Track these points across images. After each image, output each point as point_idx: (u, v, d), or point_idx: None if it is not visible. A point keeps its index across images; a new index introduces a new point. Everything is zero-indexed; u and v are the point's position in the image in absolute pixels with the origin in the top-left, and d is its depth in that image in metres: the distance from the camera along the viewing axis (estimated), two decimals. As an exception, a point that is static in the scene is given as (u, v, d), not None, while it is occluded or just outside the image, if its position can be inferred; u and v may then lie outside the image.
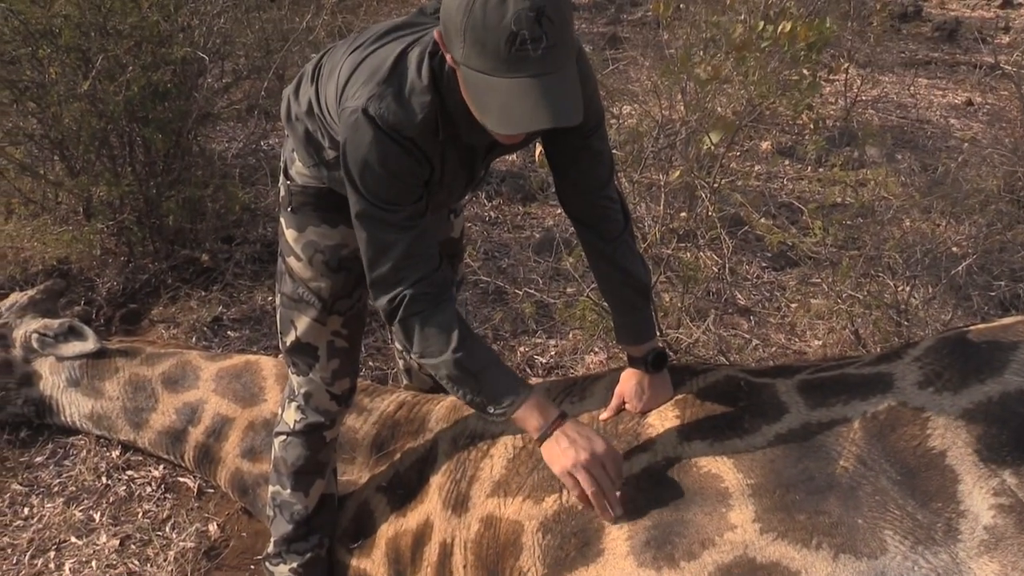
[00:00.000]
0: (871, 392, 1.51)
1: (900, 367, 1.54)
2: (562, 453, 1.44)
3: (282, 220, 1.75)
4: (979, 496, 1.32)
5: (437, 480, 1.81)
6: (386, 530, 1.87)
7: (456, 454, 1.81)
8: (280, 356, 2.56)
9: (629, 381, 1.64)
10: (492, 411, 1.49)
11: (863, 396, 1.50)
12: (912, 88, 5.59)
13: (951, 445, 1.38)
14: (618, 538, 1.41)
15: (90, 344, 2.42)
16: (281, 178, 1.75)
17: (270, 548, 1.96)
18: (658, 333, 1.94)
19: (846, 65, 5.18)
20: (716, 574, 1.30)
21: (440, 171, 1.48)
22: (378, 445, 2.01)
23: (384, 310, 1.50)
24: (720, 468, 1.46)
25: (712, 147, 2.74)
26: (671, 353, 1.83)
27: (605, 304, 2.63)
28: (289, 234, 1.73)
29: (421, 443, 1.92)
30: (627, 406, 1.63)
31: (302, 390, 1.83)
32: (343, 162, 1.41)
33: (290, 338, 1.80)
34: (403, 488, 1.88)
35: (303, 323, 1.77)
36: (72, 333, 2.45)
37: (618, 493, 1.45)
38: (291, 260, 1.74)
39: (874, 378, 1.54)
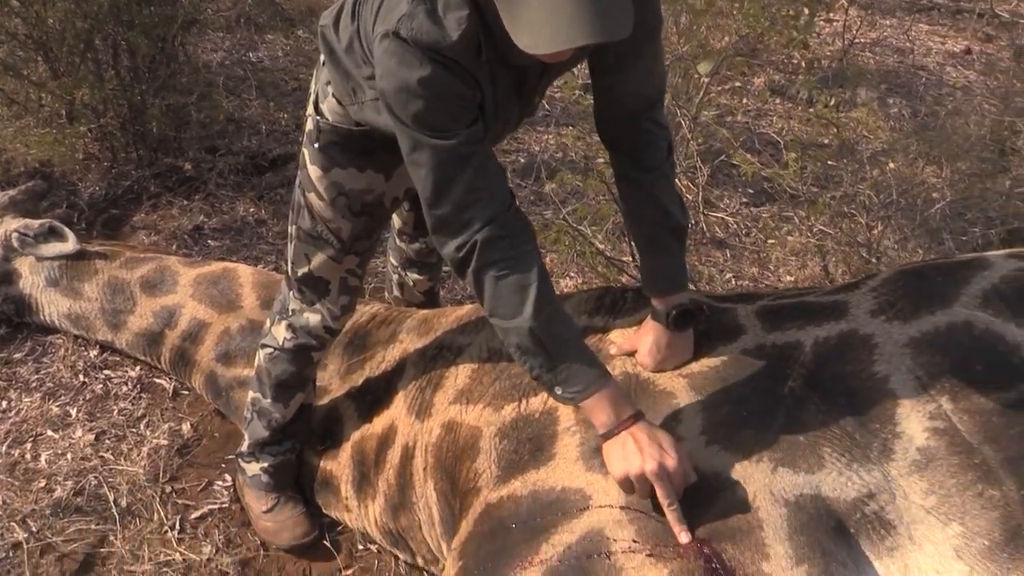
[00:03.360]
0: (826, 318, 1.55)
1: (856, 296, 1.58)
2: (626, 458, 1.30)
3: (306, 154, 1.65)
4: (915, 419, 1.37)
5: (404, 388, 1.86)
6: (353, 434, 1.93)
7: (423, 364, 1.86)
8: (260, 266, 2.60)
9: (646, 336, 1.53)
10: (559, 392, 1.35)
11: (818, 322, 1.54)
12: (912, 33, 5.53)
13: (894, 371, 1.43)
14: (570, 444, 1.46)
15: (70, 245, 2.43)
16: (310, 109, 1.64)
17: (243, 447, 2.02)
18: (691, 284, 1.78)
19: (846, 5, 5.12)
20: None
21: (492, 97, 1.33)
22: (349, 353, 2.05)
23: (452, 260, 1.34)
24: (674, 385, 1.50)
25: (701, 78, 2.74)
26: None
27: (582, 228, 2.67)
28: (312, 171, 1.64)
29: (390, 353, 1.97)
30: (638, 360, 1.54)
31: (304, 315, 1.82)
32: (383, 97, 1.27)
33: (302, 270, 1.75)
34: (371, 395, 1.93)
35: (318, 259, 1.72)
36: (52, 234, 2.47)
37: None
38: (312, 197, 1.66)
39: (830, 306, 1.58)
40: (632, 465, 1.30)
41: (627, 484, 1.32)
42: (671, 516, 1.28)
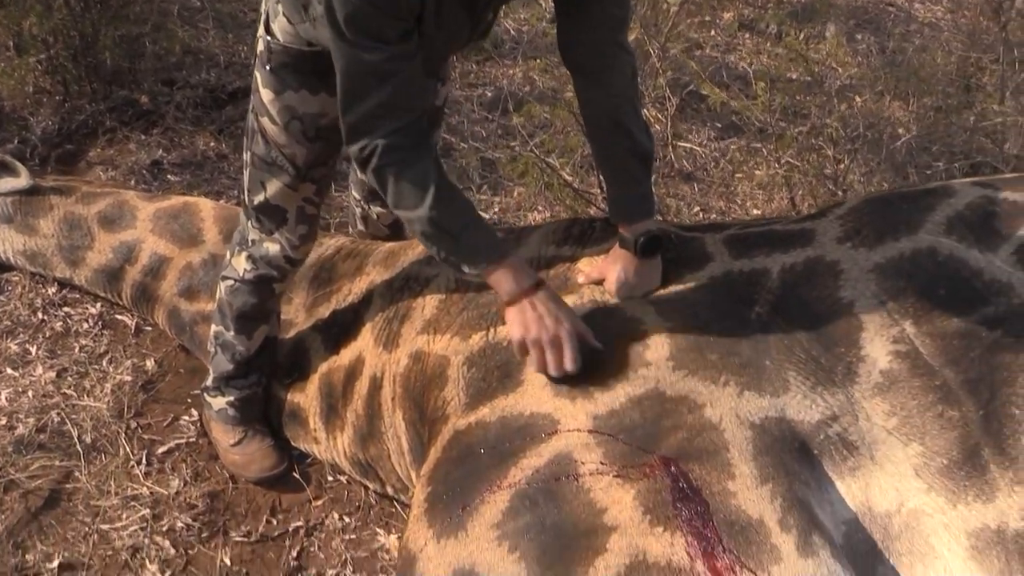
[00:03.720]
0: (792, 245, 1.56)
1: (823, 224, 1.59)
2: (523, 323, 1.40)
3: (258, 77, 1.62)
4: (879, 343, 1.39)
5: (371, 319, 1.85)
6: (320, 366, 1.92)
7: (390, 295, 1.85)
8: (222, 201, 2.55)
9: (614, 264, 1.54)
10: (466, 270, 1.44)
11: (785, 249, 1.55)
12: (881, -32, 5.50)
13: (859, 296, 1.45)
14: (536, 372, 1.46)
15: (22, 180, 2.36)
16: (261, 30, 1.60)
17: (208, 381, 2.00)
18: (657, 213, 1.81)
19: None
20: (627, 404, 1.36)
21: (434, 8, 1.34)
22: (315, 286, 2.03)
23: (355, 157, 1.42)
24: (642, 312, 1.51)
25: (670, 8, 2.70)
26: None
27: (549, 160, 2.65)
28: (265, 94, 1.61)
29: (357, 285, 1.95)
30: (606, 288, 1.56)
31: (263, 245, 1.78)
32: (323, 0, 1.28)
33: (258, 198, 1.72)
34: (338, 327, 1.92)
35: (274, 186, 1.69)
36: (4, 169, 2.39)
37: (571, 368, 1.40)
38: (265, 121, 1.63)
39: (797, 233, 1.59)
40: (529, 330, 1.40)
41: (523, 348, 1.42)
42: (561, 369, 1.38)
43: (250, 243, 1.81)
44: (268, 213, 1.75)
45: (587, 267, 1.62)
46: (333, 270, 2.03)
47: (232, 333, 1.90)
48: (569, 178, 2.65)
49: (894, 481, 1.31)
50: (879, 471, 1.32)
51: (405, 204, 1.41)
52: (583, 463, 1.30)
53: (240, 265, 1.83)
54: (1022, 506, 1.25)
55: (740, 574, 1.14)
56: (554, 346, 1.39)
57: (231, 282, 1.86)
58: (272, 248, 1.79)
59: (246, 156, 1.72)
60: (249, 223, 1.80)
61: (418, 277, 1.83)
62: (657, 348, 1.44)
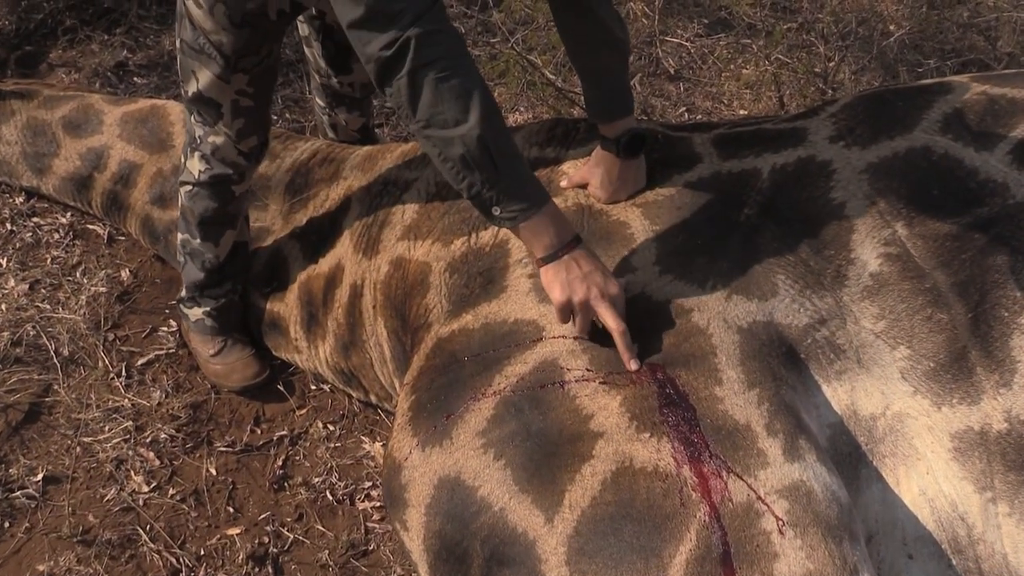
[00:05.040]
0: (783, 145, 1.52)
1: (815, 123, 1.55)
2: (569, 283, 1.26)
3: None
4: (870, 245, 1.37)
5: (350, 226, 1.81)
6: (299, 275, 1.88)
7: (369, 200, 1.80)
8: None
9: (598, 167, 1.49)
10: (497, 213, 1.26)
11: (775, 149, 1.52)
12: None
13: (851, 197, 1.42)
14: (521, 277, 1.44)
15: (-20, 83, 2.25)
16: None
17: (183, 292, 1.96)
18: (636, 110, 1.69)
19: None
20: None
21: None
22: (291, 192, 1.98)
23: (379, 61, 1.18)
24: (628, 215, 1.48)
25: None
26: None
27: (531, 58, 2.55)
28: None
29: (334, 191, 1.90)
30: (590, 192, 1.51)
31: (209, 139, 1.71)
32: None
33: (191, 88, 1.63)
34: (316, 234, 1.88)
35: (205, 77, 1.60)
36: (-41, 71, 2.28)
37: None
38: (191, 4, 1.53)
39: (788, 132, 1.55)
40: (576, 291, 1.27)
41: (566, 311, 1.29)
42: (620, 343, 1.27)
43: (198, 140, 1.73)
44: (203, 106, 1.66)
45: (571, 170, 1.58)
46: (309, 175, 1.98)
47: (198, 241, 1.85)
48: (552, 77, 2.56)
49: (880, 384, 1.31)
50: (865, 374, 1.32)
51: (442, 119, 1.20)
52: (569, 370, 1.29)
53: (195, 167, 1.76)
54: (1006, 408, 1.26)
55: (727, 479, 1.13)
56: (607, 305, 1.27)
57: (189, 187, 1.79)
58: (218, 140, 1.70)
59: (176, 42, 1.63)
60: (192, 118, 1.71)
61: (397, 181, 1.78)
62: (643, 252, 1.41)
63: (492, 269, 1.48)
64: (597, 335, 1.31)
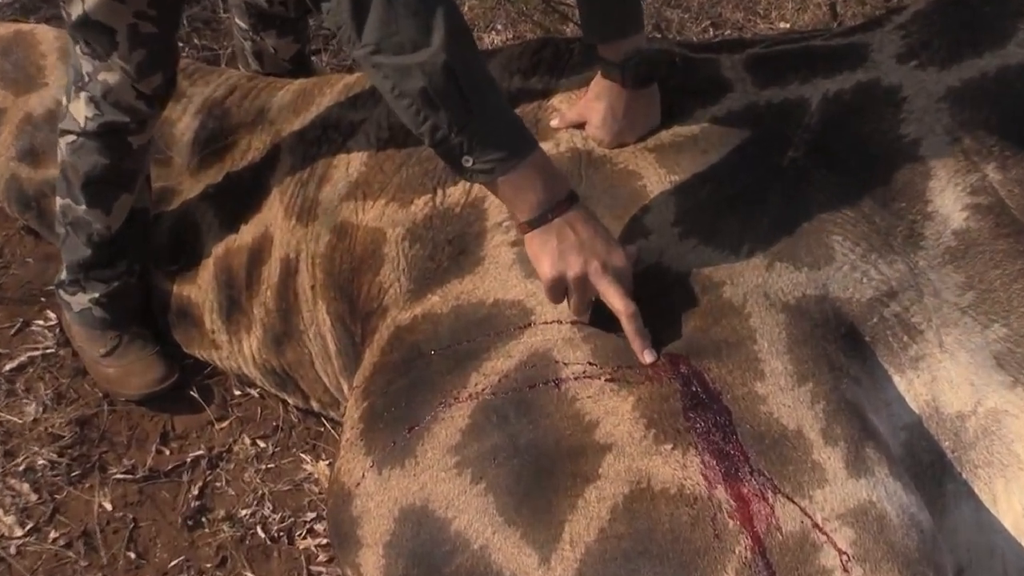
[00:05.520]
0: (838, 67, 1.52)
1: (879, 36, 1.56)
2: (561, 253, 1.25)
3: None
4: (952, 194, 1.37)
5: (279, 183, 1.80)
6: (215, 248, 1.88)
7: (304, 150, 1.80)
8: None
9: (598, 100, 1.48)
10: (469, 164, 1.23)
11: (827, 72, 1.52)
12: None
13: (928, 132, 1.42)
14: (502, 244, 1.43)
15: None
16: None
17: (63, 274, 1.96)
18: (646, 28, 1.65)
19: None
20: None
21: None
22: (202, 141, 1.97)
23: None
24: (638, 163, 1.47)
25: None
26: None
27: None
28: None
29: (258, 138, 1.90)
30: (589, 134, 1.51)
31: (99, 77, 1.69)
32: None
33: (75, 10, 1.60)
34: (235, 195, 1.88)
35: None
36: None
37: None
38: None
39: (844, 50, 1.56)
40: (570, 263, 1.25)
41: (559, 289, 1.28)
42: (631, 329, 1.25)
43: (85, 78, 1.70)
44: (93, 32, 1.63)
45: (564, 105, 1.57)
46: (225, 118, 1.97)
47: (84, 207, 1.83)
48: (538, -17, 2.57)
49: (969, 373, 1.31)
50: (950, 361, 1.32)
51: (397, 41, 1.18)
52: (566, 364, 1.28)
53: (80, 112, 1.74)
54: None
55: (773, 502, 1.13)
56: (611, 281, 1.26)
57: (72, 137, 1.77)
58: (112, 78, 1.68)
59: None
60: (77, 48, 1.69)
61: (339, 124, 1.78)
62: (659, 211, 1.40)
63: (464, 236, 1.48)
64: (601, 319, 1.30)
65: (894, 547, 1.12)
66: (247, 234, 1.83)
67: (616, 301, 1.25)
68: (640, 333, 1.26)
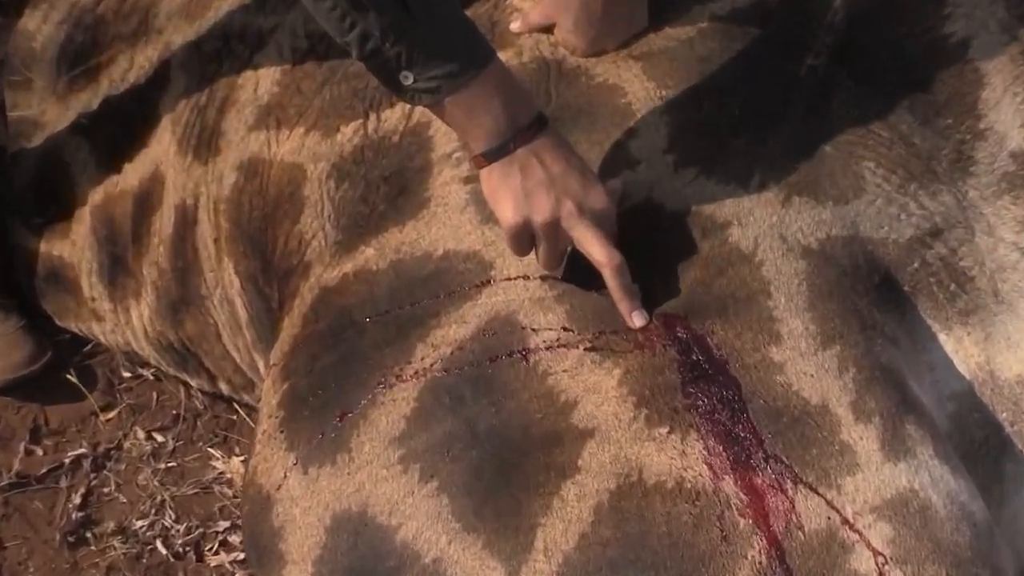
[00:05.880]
0: (867, -50, 1.54)
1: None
2: (526, 194, 1.25)
3: None
4: (1010, 107, 1.39)
5: (170, 110, 1.79)
6: (91, 194, 1.88)
7: (201, 67, 1.79)
8: None
9: None
10: (409, 81, 1.21)
11: (854, -44, 1.54)
12: None
13: (979, 30, 1.43)
14: (453, 181, 1.43)
15: None
16: None
17: None
18: None
19: None
20: None
21: None
22: (70, 58, 1.96)
23: None
24: (621, 75, 1.47)
25: None
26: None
27: None
28: None
29: (142, 52, 1.88)
30: (559, 40, 1.51)
31: None
32: None
33: None
34: (115, 126, 1.87)
35: None
36: None
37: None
38: None
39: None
40: (537, 205, 1.25)
41: (523, 238, 1.28)
42: (615, 284, 1.26)
43: None
44: None
45: (527, 3, 1.57)
46: (99, 28, 1.95)
47: None
48: None
49: (1031, 329, 1.34)
50: (1008, 314, 1.34)
51: None
52: (535, 330, 1.28)
53: None
54: None
55: (793, 494, 1.14)
56: (589, 225, 1.25)
57: None
58: None
59: None
60: None
61: (244, 33, 1.76)
62: (648, 135, 1.40)
63: (404, 171, 1.47)
64: (577, 274, 1.31)
65: (941, 545, 1.13)
66: (131, 176, 1.82)
67: (596, 250, 1.25)
68: (627, 290, 1.26)
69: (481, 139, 1.25)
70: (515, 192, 1.25)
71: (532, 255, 1.31)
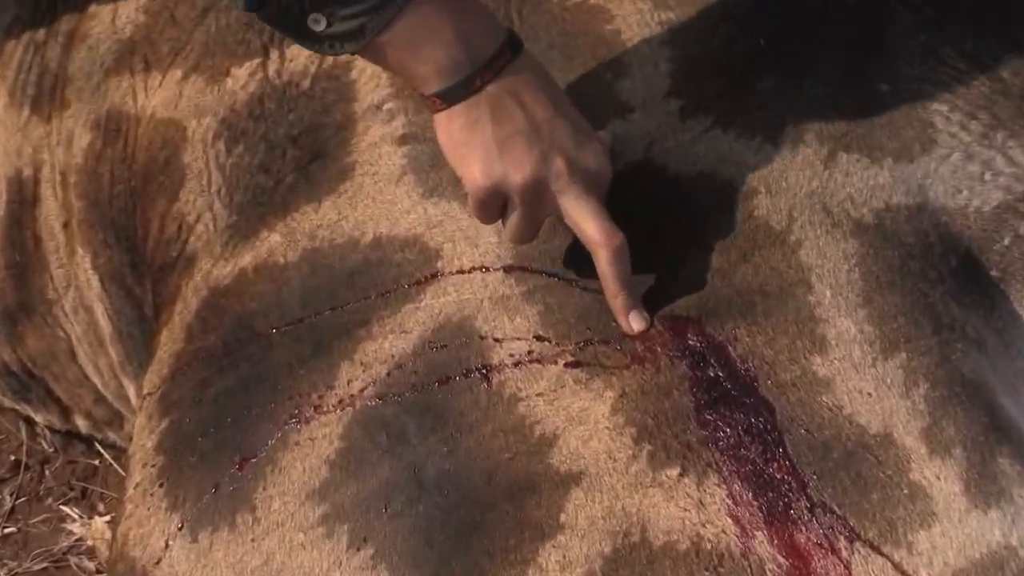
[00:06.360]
0: None
1: None
2: (500, 145, 1.25)
3: None
4: None
5: (6, 56, 1.79)
6: None
7: None
8: None
9: None
10: (323, 26, 1.19)
11: None
12: None
13: None
14: (382, 141, 1.44)
15: None
16: None
17: None
18: None
19: None
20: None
21: None
22: None
23: None
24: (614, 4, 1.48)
25: None
26: None
27: None
28: None
29: None
30: None
31: None
32: None
33: None
34: None
35: None
36: None
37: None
38: None
39: None
40: (516, 161, 1.25)
41: (493, 205, 1.29)
42: (610, 275, 1.27)
43: None
44: None
45: None
46: None
47: None
48: None
49: None
50: None
51: None
52: (498, 340, 1.29)
53: None
54: None
55: (849, 554, 1.14)
56: (581, 186, 1.26)
57: None
58: None
59: None
60: None
61: None
62: (644, 73, 1.42)
63: (319, 129, 1.49)
64: (554, 257, 1.32)
65: (1048, 621, 1.14)
66: (-49, 140, 1.83)
67: (591, 225, 1.25)
68: (624, 282, 1.26)
69: (433, 77, 1.23)
70: (485, 144, 1.24)
71: (503, 233, 1.31)
